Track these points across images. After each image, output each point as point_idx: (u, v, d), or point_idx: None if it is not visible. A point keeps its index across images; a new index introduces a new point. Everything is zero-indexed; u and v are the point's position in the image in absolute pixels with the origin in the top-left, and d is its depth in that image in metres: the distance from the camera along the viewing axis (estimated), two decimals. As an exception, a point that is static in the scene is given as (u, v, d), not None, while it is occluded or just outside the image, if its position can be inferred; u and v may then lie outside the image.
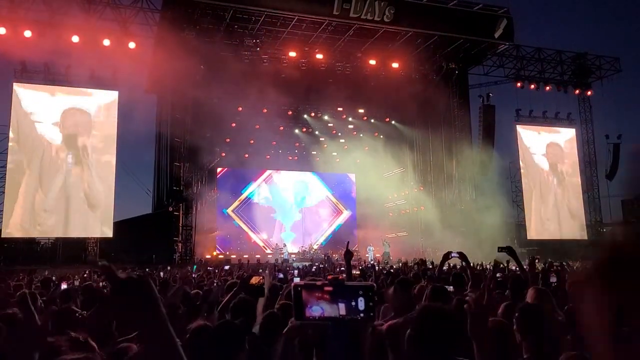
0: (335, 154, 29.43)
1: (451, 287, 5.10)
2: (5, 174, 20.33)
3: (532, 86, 27.25)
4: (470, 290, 5.01)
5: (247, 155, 28.59)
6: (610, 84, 28.41)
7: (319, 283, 1.59)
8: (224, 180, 29.21)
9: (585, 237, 28.14)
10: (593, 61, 28.53)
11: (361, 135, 28.75)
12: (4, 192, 20.33)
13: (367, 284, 1.61)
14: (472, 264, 6.81)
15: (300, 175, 31.37)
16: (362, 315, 1.56)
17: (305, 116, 27.74)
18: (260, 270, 12.08)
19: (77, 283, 10.13)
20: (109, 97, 21.49)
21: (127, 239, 21.19)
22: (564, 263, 13.21)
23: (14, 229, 19.95)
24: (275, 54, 22.72)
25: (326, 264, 18.99)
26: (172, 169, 22.38)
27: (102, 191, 20.94)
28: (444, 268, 8.12)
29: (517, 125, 27.87)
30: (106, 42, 20.23)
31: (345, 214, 31.79)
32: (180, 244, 21.94)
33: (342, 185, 31.98)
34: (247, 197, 29.90)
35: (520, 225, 28.49)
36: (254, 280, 4.33)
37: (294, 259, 25.25)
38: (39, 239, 22.60)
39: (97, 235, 20.83)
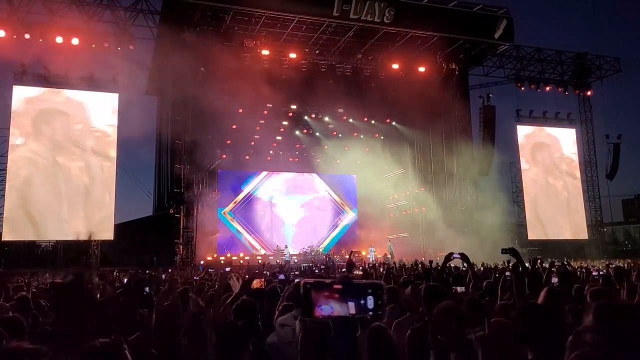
0: (335, 155, 29.42)
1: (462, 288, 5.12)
2: (5, 176, 20.31)
3: (532, 86, 27.27)
4: (471, 290, 5.02)
5: (247, 157, 28.63)
6: (610, 84, 28.50)
7: (328, 281, 1.58)
8: (225, 181, 29.19)
9: (586, 237, 28.17)
10: (593, 61, 28.58)
11: (362, 136, 28.76)
12: (4, 195, 20.29)
13: (376, 282, 1.62)
14: (473, 265, 6.81)
15: (301, 176, 31.36)
16: (371, 313, 1.57)
17: (306, 117, 27.74)
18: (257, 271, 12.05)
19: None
20: (109, 100, 21.48)
21: (128, 242, 21.13)
22: (564, 263, 13.19)
23: (15, 232, 19.93)
24: (276, 56, 22.73)
25: (328, 263, 18.96)
26: (172, 170, 22.38)
27: (102, 193, 20.94)
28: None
29: (517, 125, 27.89)
30: (106, 45, 20.27)
31: (351, 215, 31.70)
32: (181, 246, 21.89)
33: (343, 186, 31.94)
34: (246, 197, 29.87)
35: (520, 225, 28.51)
36: (256, 283, 4.34)
37: (296, 260, 25.26)
38: (39, 242, 22.56)
39: (98, 237, 20.79)
